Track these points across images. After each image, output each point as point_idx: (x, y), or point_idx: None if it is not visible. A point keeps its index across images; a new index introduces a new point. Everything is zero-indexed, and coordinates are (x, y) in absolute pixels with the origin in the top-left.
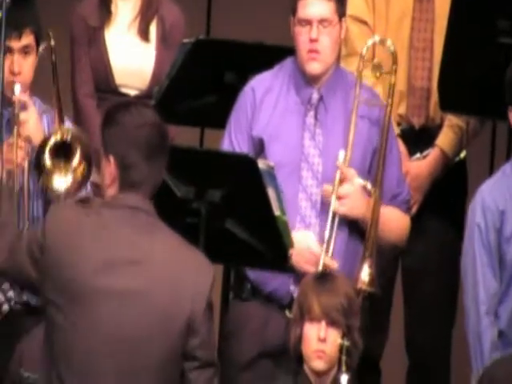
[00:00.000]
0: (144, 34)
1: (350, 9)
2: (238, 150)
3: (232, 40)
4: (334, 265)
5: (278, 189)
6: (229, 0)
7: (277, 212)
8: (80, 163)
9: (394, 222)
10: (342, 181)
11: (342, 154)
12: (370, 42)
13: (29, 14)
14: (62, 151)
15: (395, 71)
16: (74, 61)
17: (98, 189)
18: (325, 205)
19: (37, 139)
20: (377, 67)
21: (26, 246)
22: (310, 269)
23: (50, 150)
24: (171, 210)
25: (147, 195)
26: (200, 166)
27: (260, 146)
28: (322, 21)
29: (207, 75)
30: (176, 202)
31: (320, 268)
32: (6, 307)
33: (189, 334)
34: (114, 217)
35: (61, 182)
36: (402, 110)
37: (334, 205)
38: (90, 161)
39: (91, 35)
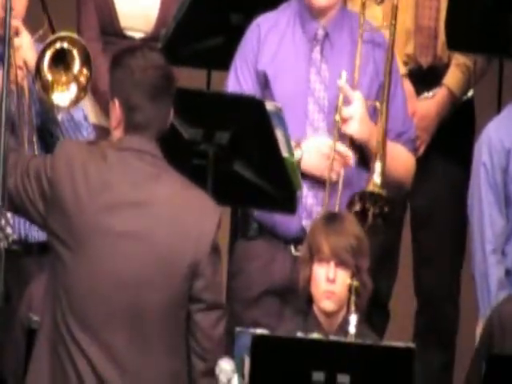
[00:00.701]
0: None
1: None
2: (244, 85)
3: None
4: (349, 153)
5: (286, 130)
6: None
7: (285, 153)
8: (81, 68)
9: (400, 159)
10: (346, 102)
11: (344, 74)
12: None
13: None
14: (60, 60)
15: None
16: (80, 4)
17: (103, 132)
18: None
19: (32, 62)
20: None
21: (35, 173)
22: (323, 173)
23: (49, 62)
24: (178, 153)
25: (153, 137)
26: (207, 108)
27: (265, 81)
28: None
29: (213, 17)
30: (183, 145)
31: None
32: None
33: (194, 276)
34: (119, 159)
35: (65, 95)
36: (409, 49)
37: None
38: (89, 62)
39: None
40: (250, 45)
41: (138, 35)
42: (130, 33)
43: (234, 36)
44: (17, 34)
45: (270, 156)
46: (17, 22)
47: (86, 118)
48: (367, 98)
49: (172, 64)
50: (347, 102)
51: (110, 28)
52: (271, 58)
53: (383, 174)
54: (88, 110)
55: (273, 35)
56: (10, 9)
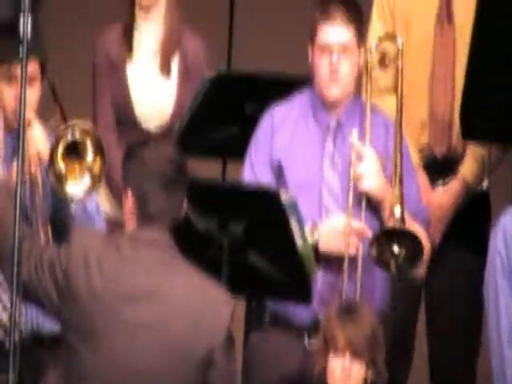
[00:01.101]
0: (165, 67)
1: (370, 36)
2: (258, 174)
3: (252, 73)
4: (366, 229)
5: (301, 220)
6: (250, 30)
7: (299, 241)
8: (95, 157)
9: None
10: (359, 160)
11: (355, 132)
12: (377, 37)
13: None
14: (73, 149)
15: (401, 56)
16: (96, 92)
17: (114, 225)
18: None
19: (45, 153)
20: (383, 58)
21: (49, 263)
22: (341, 249)
23: (62, 152)
24: (193, 243)
25: (166, 228)
26: (222, 198)
27: (279, 169)
28: (342, 47)
29: (228, 107)
30: (198, 235)
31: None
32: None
33: (208, 366)
34: (133, 249)
35: (78, 185)
36: (424, 139)
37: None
38: (103, 151)
39: (113, 67)
40: (264, 134)
41: (153, 126)
42: (145, 124)
43: (248, 126)
44: (29, 124)
45: (285, 246)
46: (29, 113)
47: (98, 209)
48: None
49: (187, 155)
50: (360, 159)
51: (126, 118)
52: (285, 147)
53: (402, 216)
54: (103, 199)
55: (286, 125)
56: (25, 102)
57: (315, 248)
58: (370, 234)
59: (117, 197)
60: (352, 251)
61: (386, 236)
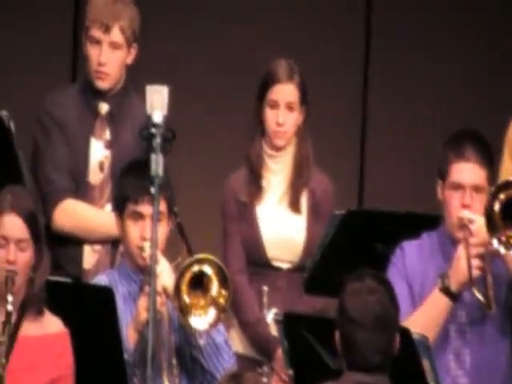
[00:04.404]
0: (295, 207)
1: (502, 176)
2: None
3: (382, 210)
4: None
5: (433, 360)
6: (379, 168)
7: (432, 383)
8: (220, 290)
9: None
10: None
11: None
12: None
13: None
14: (198, 282)
15: None
16: (227, 236)
17: (250, 363)
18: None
19: (171, 288)
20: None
21: None
22: None
23: (187, 285)
24: None
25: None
26: None
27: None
28: (474, 187)
29: (357, 245)
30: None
31: None
32: None
33: None
34: None
35: (203, 319)
36: None
37: None
38: (227, 283)
39: (242, 210)
40: (399, 268)
41: (284, 265)
42: (276, 263)
43: (377, 264)
44: (155, 261)
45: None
46: (155, 251)
47: (226, 342)
48: None
49: (319, 294)
50: None
51: (257, 258)
52: (418, 278)
53: None
54: (235, 339)
55: (417, 266)
56: (156, 239)
57: None
58: None
59: (250, 339)
60: None
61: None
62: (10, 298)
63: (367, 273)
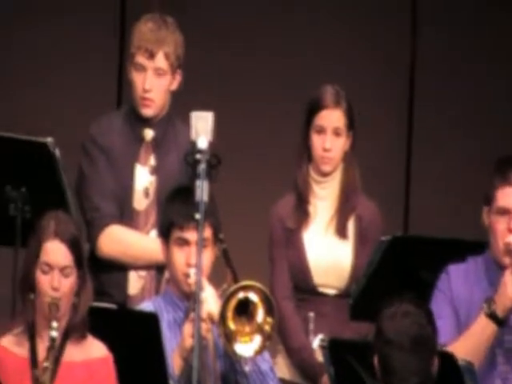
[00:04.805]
0: (342, 233)
1: None
2: (443, 318)
3: (428, 236)
4: None
5: None
6: (425, 193)
7: None
8: (265, 317)
9: None
10: None
11: None
12: None
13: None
14: (243, 309)
15: None
16: (273, 262)
17: None
18: None
19: (217, 315)
20: None
21: None
22: None
23: (232, 312)
24: None
25: None
26: None
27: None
28: None
29: (402, 271)
30: None
31: None
32: None
33: None
34: None
35: (248, 346)
36: None
37: None
38: (273, 309)
39: (289, 236)
40: (444, 292)
41: (331, 291)
42: (323, 289)
43: (422, 290)
44: (200, 288)
45: None
46: (201, 278)
47: (271, 369)
48: None
49: (364, 320)
50: None
51: (304, 284)
52: (464, 302)
53: None
54: (281, 364)
55: (463, 289)
56: (201, 267)
57: None
58: None
59: (296, 365)
60: None
61: None
62: (54, 324)
63: (405, 298)
